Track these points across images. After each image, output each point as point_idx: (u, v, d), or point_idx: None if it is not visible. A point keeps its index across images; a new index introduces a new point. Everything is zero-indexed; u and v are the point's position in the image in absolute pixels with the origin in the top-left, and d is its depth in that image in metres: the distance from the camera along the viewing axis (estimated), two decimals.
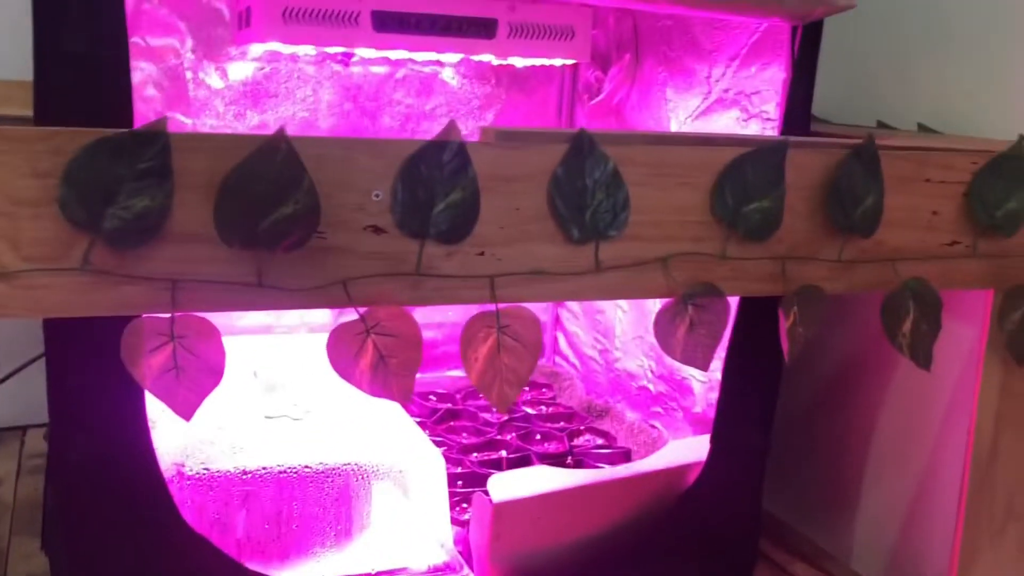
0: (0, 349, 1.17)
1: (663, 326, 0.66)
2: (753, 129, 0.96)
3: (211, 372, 0.57)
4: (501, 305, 0.62)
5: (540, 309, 1.38)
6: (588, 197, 0.63)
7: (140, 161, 0.53)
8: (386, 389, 0.60)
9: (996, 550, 0.83)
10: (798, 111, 0.87)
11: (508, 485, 0.85)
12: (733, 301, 0.86)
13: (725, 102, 1.00)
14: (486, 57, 1.03)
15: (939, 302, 0.73)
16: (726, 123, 1.00)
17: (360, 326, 0.59)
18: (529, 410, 1.24)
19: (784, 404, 1.10)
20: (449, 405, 1.24)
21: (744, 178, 0.66)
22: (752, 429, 0.92)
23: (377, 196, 0.59)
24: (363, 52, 1.05)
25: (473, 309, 0.62)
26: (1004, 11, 0.93)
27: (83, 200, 0.53)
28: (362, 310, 0.59)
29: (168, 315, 0.56)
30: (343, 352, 0.59)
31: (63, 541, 0.82)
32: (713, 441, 0.91)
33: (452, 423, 1.19)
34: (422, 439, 0.94)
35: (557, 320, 1.37)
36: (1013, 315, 0.76)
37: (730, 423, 0.91)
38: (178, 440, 0.86)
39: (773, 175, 0.67)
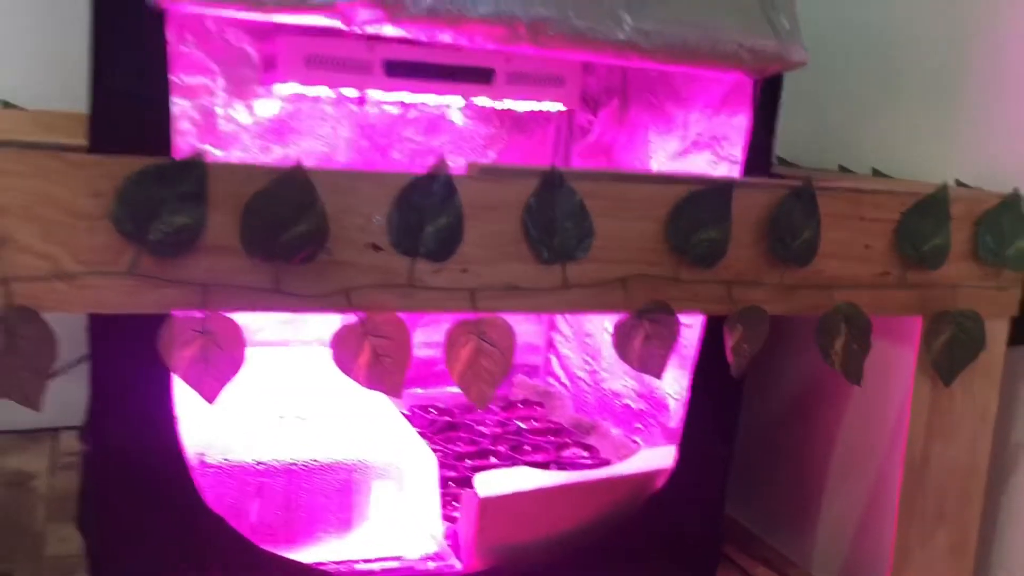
0: None
1: (621, 338, 0.77)
2: (722, 170, 1.07)
3: (233, 363, 0.67)
4: (481, 315, 0.73)
5: (535, 333, 1.48)
6: (557, 224, 0.74)
7: (180, 186, 0.65)
8: (380, 383, 0.71)
9: (927, 551, 0.92)
10: (759, 154, 0.98)
11: (493, 482, 0.95)
12: (698, 322, 0.97)
13: (699, 145, 1.11)
14: (484, 101, 1.14)
15: (869, 324, 0.83)
16: (700, 164, 1.11)
17: (359, 329, 0.70)
18: (521, 424, 1.35)
19: (751, 421, 1.20)
20: (447, 418, 1.34)
21: (694, 212, 0.77)
22: (716, 439, 1.02)
23: (377, 220, 0.70)
24: (375, 95, 1.16)
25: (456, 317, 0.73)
26: (945, 71, 1.04)
27: (132, 216, 0.64)
28: (361, 315, 0.70)
29: (199, 314, 0.67)
30: (344, 350, 0.69)
31: (97, 520, 0.93)
32: (680, 449, 1.01)
33: (449, 434, 1.29)
34: (417, 441, 1.04)
35: (550, 343, 1.48)
36: (938, 339, 0.86)
37: (696, 433, 1.01)
38: (201, 433, 0.97)
39: (720, 210, 0.78)
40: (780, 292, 0.82)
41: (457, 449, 1.24)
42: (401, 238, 0.70)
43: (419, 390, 1.45)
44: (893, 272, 0.85)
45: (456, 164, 0.75)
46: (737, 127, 1.05)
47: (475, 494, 0.95)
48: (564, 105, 1.19)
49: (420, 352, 1.38)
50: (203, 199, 0.65)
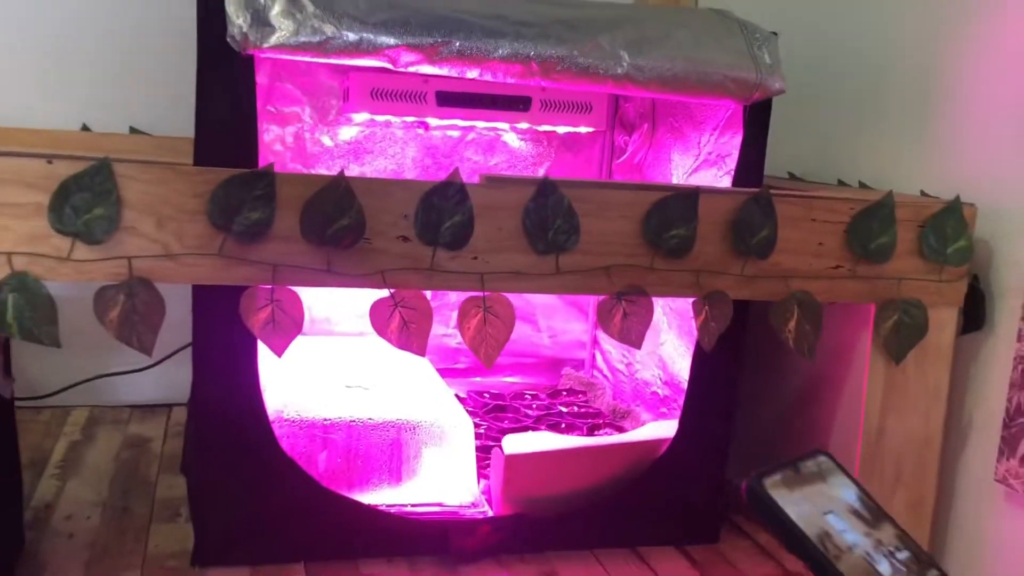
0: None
1: (603, 314, 0.95)
2: (725, 182, 1.24)
3: (295, 325, 0.89)
4: (487, 293, 0.92)
5: (582, 331, 1.67)
6: (550, 223, 0.92)
7: (256, 189, 0.86)
8: (408, 344, 0.91)
9: (887, 509, 1.07)
10: (750, 168, 1.15)
11: (518, 442, 1.14)
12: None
13: (709, 162, 1.28)
14: (524, 125, 1.34)
15: (819, 308, 0.99)
16: (709, 178, 1.28)
17: (391, 301, 0.90)
18: (563, 408, 1.53)
19: (762, 407, 1.36)
20: (498, 402, 1.54)
21: (665, 214, 0.95)
22: (714, 413, 1.18)
23: (405, 217, 0.90)
24: (433, 121, 1.38)
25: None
26: (921, 97, 1.19)
27: (221, 212, 0.86)
28: (392, 291, 0.90)
29: (269, 287, 0.88)
30: (379, 317, 0.90)
31: (196, 464, 1.15)
32: (681, 423, 1.18)
33: (498, 414, 1.48)
34: (458, 408, 1.24)
35: (595, 340, 1.66)
36: (886, 323, 1.01)
37: (695, 409, 1.17)
38: (280, 395, 1.19)
39: (688, 212, 0.96)
40: (742, 281, 0.98)
41: (502, 426, 1.43)
42: (424, 232, 0.90)
43: (478, 379, 1.65)
44: (845, 265, 1.01)
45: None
46: (736, 146, 1.21)
47: (502, 452, 1.14)
48: (594, 128, 1.37)
49: None
50: (272, 200, 0.86)
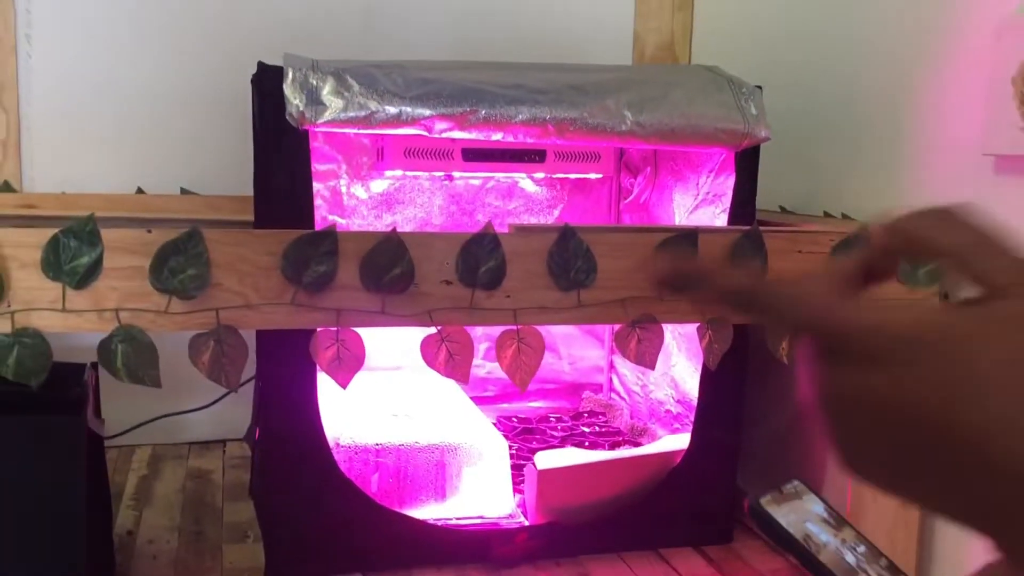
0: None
1: (620, 340, 1.10)
2: (722, 219, 1.39)
3: (357, 361, 1.03)
4: (519, 326, 1.07)
5: (599, 357, 1.81)
6: (571, 264, 1.07)
7: (322, 247, 1.01)
8: (454, 373, 1.06)
9: (879, 503, 1.21)
10: (743, 206, 1.30)
11: (549, 458, 1.28)
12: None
13: (707, 201, 1.43)
14: (540, 174, 1.50)
15: None
16: (708, 216, 1.43)
17: (438, 337, 1.05)
18: (585, 428, 1.67)
19: (768, 418, 1.50)
20: (526, 425, 1.68)
21: (668, 252, 1.10)
22: (723, 425, 1.32)
23: (447, 264, 1.05)
24: (459, 174, 1.53)
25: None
26: (895, 134, 1.34)
27: (292, 266, 1.01)
28: (439, 328, 1.05)
29: (335, 328, 1.03)
30: (429, 351, 1.04)
31: (264, 487, 1.30)
32: (692, 436, 1.32)
33: (526, 436, 1.63)
34: (493, 431, 1.38)
35: (611, 365, 1.80)
36: None
37: (706, 422, 1.31)
38: (336, 424, 1.33)
39: (689, 250, 1.11)
40: None
41: (531, 446, 1.57)
42: (464, 276, 1.05)
43: (505, 405, 1.80)
44: None
45: (525, 221, 1.10)
46: (731, 186, 1.37)
47: (535, 467, 1.28)
48: (602, 174, 1.53)
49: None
50: (335, 254, 1.01)
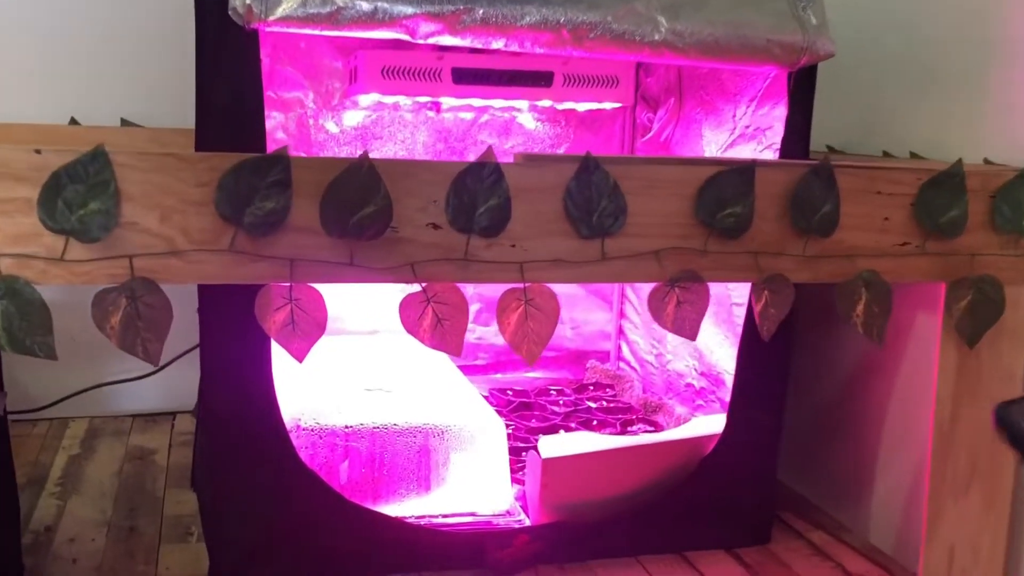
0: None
1: (655, 303, 0.86)
2: (766, 157, 1.15)
3: (317, 326, 0.80)
4: (527, 284, 0.83)
5: (606, 322, 1.58)
6: (594, 204, 0.84)
7: (269, 176, 0.77)
8: (442, 343, 0.82)
9: (961, 506, 0.99)
10: (797, 139, 1.06)
11: (555, 445, 1.05)
12: (744, 296, 1.05)
13: (746, 136, 1.20)
14: (545, 102, 1.25)
15: (888, 289, 0.90)
16: (747, 154, 1.19)
17: (422, 296, 0.81)
18: (591, 404, 1.44)
19: (809, 396, 1.27)
20: (523, 399, 1.45)
21: (719, 190, 0.86)
22: (764, 408, 1.10)
23: (435, 202, 0.81)
24: (447, 101, 1.28)
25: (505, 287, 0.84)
26: (973, 60, 1.10)
27: (230, 202, 0.77)
28: (423, 285, 0.81)
29: (287, 284, 0.79)
30: (410, 315, 0.81)
31: (209, 477, 1.06)
32: (729, 417, 1.09)
33: (524, 412, 1.40)
34: (488, 410, 1.15)
35: (620, 331, 1.57)
36: (959, 303, 0.93)
37: (744, 402, 1.09)
38: (297, 402, 1.10)
39: (744, 188, 0.87)
40: (804, 261, 0.90)
41: (529, 425, 1.34)
42: (457, 218, 0.81)
43: (499, 375, 1.57)
44: (913, 242, 0.92)
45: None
46: (778, 117, 1.12)
47: (538, 455, 1.05)
48: (620, 103, 1.28)
49: (499, 340, 1.48)
50: (288, 187, 0.77)
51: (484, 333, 1.53)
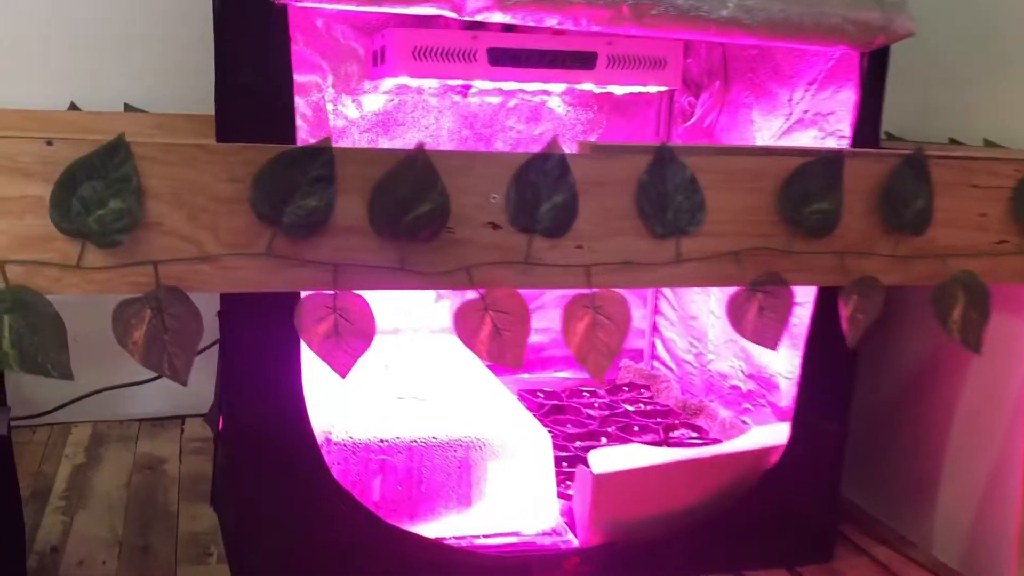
0: None
1: (735, 310, 0.78)
2: (830, 146, 1.06)
3: (364, 338, 0.71)
4: (596, 289, 0.75)
5: (639, 319, 1.49)
6: (669, 199, 0.75)
7: (311, 170, 0.68)
8: (500, 357, 0.73)
9: None
10: (868, 128, 0.97)
11: (607, 459, 0.97)
12: (810, 299, 0.97)
13: (804, 123, 1.11)
14: (587, 85, 1.16)
15: (987, 292, 0.82)
16: (805, 142, 1.10)
17: (480, 304, 0.72)
18: (628, 407, 1.36)
19: (867, 403, 1.19)
20: (555, 401, 1.37)
21: (805, 183, 0.78)
22: (830, 415, 1.02)
23: (494, 199, 0.72)
24: (480, 84, 1.19)
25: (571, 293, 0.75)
26: None
27: (267, 200, 0.68)
28: (481, 291, 0.72)
29: (331, 292, 0.70)
30: (467, 325, 0.72)
31: (232, 494, 0.98)
32: (793, 426, 1.01)
33: (557, 416, 1.31)
34: (531, 420, 1.07)
35: (655, 327, 1.49)
36: None
37: (809, 410, 1.01)
38: (325, 412, 1.01)
39: (832, 181, 0.78)
40: (894, 262, 0.81)
41: (566, 431, 1.26)
42: (518, 216, 0.72)
43: (526, 375, 1.48)
44: (1011, 240, 0.84)
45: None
46: (843, 102, 1.04)
47: (589, 471, 0.97)
48: (667, 86, 1.20)
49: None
50: (332, 182, 0.68)
51: None
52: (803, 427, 1.00)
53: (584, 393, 1.41)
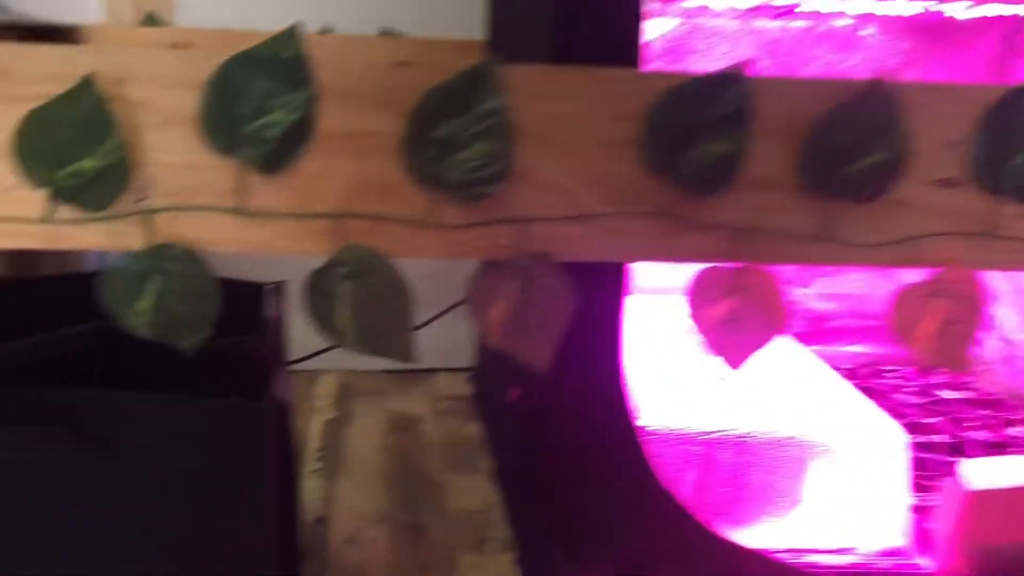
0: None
1: None
2: None
3: (768, 326, 0.55)
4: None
5: None
6: None
7: (718, 105, 0.52)
8: (944, 356, 0.56)
9: None
10: None
11: (988, 472, 0.79)
12: None
13: None
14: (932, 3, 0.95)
15: None
16: None
17: (925, 289, 0.55)
18: (947, 393, 1.16)
19: None
20: (856, 382, 1.18)
21: None
22: None
23: (950, 146, 0.54)
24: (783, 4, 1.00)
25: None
26: None
27: (662, 144, 0.52)
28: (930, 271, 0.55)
29: (734, 265, 0.54)
30: (907, 315, 0.55)
31: (535, 486, 0.85)
32: None
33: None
34: (879, 414, 0.89)
35: None
36: None
37: None
38: (639, 397, 0.86)
39: None
40: None
41: None
42: (982, 171, 0.54)
43: (810, 348, 1.30)
44: None
45: None
46: None
47: (962, 485, 0.78)
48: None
49: (815, 305, 1.23)
50: (747, 122, 0.52)
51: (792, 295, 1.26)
52: None
53: (885, 372, 1.22)
